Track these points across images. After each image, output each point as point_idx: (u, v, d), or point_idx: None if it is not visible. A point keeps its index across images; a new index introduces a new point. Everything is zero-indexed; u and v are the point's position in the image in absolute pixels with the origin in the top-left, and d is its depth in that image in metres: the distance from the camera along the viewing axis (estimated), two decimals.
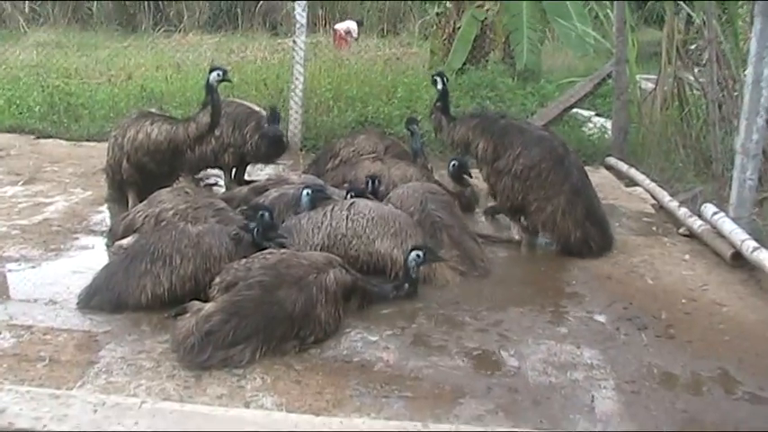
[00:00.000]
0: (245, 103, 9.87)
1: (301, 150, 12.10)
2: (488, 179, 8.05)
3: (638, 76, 13.10)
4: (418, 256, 6.47)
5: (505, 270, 7.41)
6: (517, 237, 8.16)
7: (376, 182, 8.05)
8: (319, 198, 7.35)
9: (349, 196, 7.56)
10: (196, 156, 9.00)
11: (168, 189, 7.63)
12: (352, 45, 21.57)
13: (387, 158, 9.04)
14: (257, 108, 9.69)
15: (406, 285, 6.47)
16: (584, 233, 7.77)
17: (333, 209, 7.06)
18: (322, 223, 6.98)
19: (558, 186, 7.72)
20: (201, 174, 9.92)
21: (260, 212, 6.62)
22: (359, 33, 22.98)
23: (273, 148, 9.51)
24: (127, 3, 27.24)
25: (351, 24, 22.96)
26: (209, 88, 8.19)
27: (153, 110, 9.11)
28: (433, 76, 9.00)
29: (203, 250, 6.23)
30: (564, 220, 7.74)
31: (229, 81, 8.53)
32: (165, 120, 8.50)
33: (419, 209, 7.49)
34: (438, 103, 8.65)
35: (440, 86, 8.74)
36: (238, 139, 9.33)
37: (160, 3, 27.00)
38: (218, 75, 8.15)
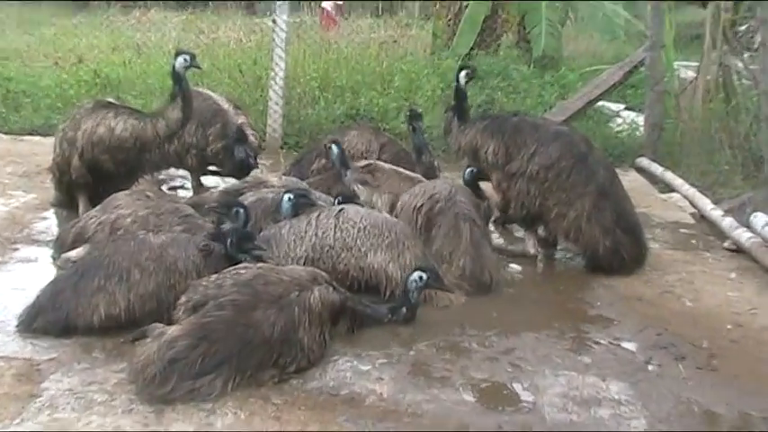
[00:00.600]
0: (213, 95, 9.84)
1: (282, 148, 12.15)
2: (499, 186, 8.09)
3: (675, 64, 13.19)
4: (420, 278, 6.49)
5: (519, 289, 7.43)
6: (532, 250, 8.20)
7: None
8: (302, 204, 7.35)
9: (336, 201, 7.57)
10: (158, 155, 9.00)
11: (126, 192, 7.63)
12: (341, 25, 21.64)
13: (378, 171, 8.90)
14: (225, 104, 9.67)
15: (404, 309, 6.49)
16: (615, 242, 7.79)
17: (318, 216, 7.06)
18: (306, 233, 6.98)
19: (581, 188, 7.77)
20: (165, 175, 9.93)
21: (234, 209, 6.65)
22: (349, 10, 23.10)
23: (237, 170, 9.49)
24: None
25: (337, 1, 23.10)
26: (176, 76, 8.20)
27: (111, 100, 9.07)
28: (459, 68, 9.00)
29: (167, 264, 6.22)
30: (590, 227, 7.77)
31: (198, 68, 8.53)
32: (131, 113, 8.51)
33: (446, 196, 7.60)
34: (454, 103, 8.70)
35: (462, 81, 8.75)
36: (201, 140, 9.33)
37: None
38: (185, 60, 8.16)
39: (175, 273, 6.21)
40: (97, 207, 7.50)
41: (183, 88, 8.22)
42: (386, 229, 6.98)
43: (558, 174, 7.80)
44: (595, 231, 7.77)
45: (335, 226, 6.96)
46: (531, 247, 8.22)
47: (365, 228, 6.94)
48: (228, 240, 6.36)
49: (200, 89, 9.80)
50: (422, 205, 7.66)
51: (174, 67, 8.19)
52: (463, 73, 8.76)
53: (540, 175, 7.80)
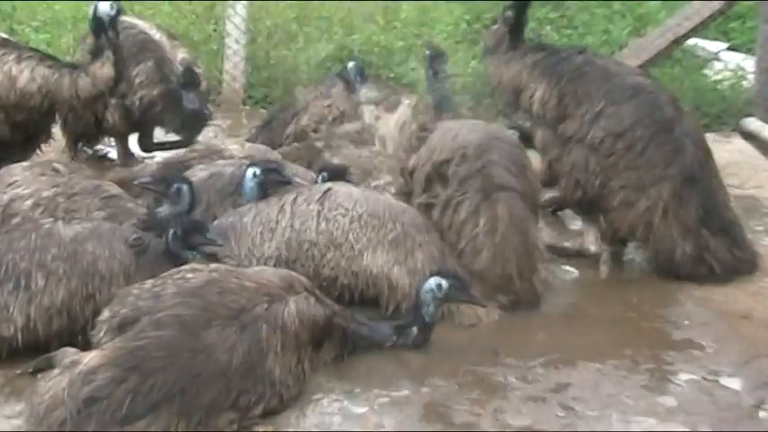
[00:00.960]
0: (137, 23, 9.77)
1: (244, 104, 12.17)
2: (546, 152, 8.07)
3: None
4: (439, 287, 6.45)
5: (574, 302, 7.49)
6: (593, 247, 8.21)
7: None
8: (272, 182, 7.33)
9: (320, 179, 7.57)
10: (70, 119, 9.05)
11: (24, 165, 7.63)
12: None
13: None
14: (157, 34, 9.64)
15: (415, 329, 6.50)
16: (700, 246, 7.79)
17: (295, 200, 6.99)
18: (278, 223, 6.91)
19: (659, 169, 7.79)
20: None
21: (175, 187, 6.68)
22: None
23: (184, 127, 9.50)
24: None
25: None
26: (100, 25, 8.19)
27: (8, 37, 9.06)
28: None
29: (83, 265, 6.26)
30: (666, 224, 7.78)
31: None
32: (40, 59, 8.55)
33: (473, 155, 7.34)
34: (509, 13, 8.65)
35: None
36: (122, 86, 9.23)
37: None
38: (112, 8, 8.13)
39: (95, 277, 6.24)
40: None
41: (112, 40, 8.22)
42: (389, 218, 6.92)
43: (629, 146, 7.80)
44: (673, 230, 7.78)
45: (319, 214, 6.87)
46: (591, 243, 8.21)
47: (360, 217, 6.87)
48: (171, 232, 6.35)
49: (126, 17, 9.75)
50: (441, 163, 7.45)
51: (95, 12, 8.18)
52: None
53: (606, 144, 7.80)
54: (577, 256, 8.20)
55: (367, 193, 7.11)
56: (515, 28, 8.56)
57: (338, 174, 7.63)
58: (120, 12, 8.23)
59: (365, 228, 6.83)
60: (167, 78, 9.24)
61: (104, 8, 8.13)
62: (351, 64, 7.75)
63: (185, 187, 6.72)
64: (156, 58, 9.32)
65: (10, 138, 8.42)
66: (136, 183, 7.17)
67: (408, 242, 6.89)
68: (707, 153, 8.05)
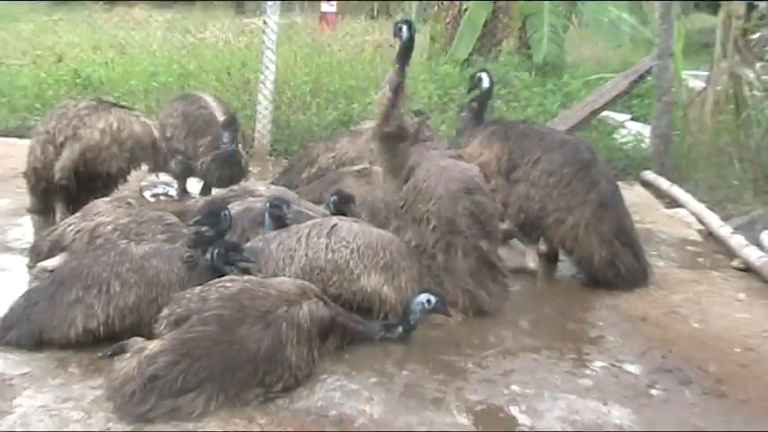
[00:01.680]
0: (210, 103, 9.52)
1: (270, 155, 12.15)
2: (499, 192, 8.06)
3: (684, 73, 13.19)
4: (428, 301, 6.49)
5: (517, 307, 7.36)
6: (532, 264, 8.21)
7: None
8: (275, 216, 7.30)
9: (332, 201, 7.59)
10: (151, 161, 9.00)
11: (106, 199, 7.59)
12: (337, 25, 21.80)
13: (374, 174, 8.91)
14: (221, 113, 9.42)
15: (400, 329, 6.49)
16: (612, 253, 7.87)
17: (309, 234, 6.91)
18: (296, 251, 6.82)
19: (581, 195, 7.88)
20: (147, 182, 9.90)
21: (222, 214, 6.65)
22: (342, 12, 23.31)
23: (227, 174, 9.29)
24: None
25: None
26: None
27: (112, 100, 9.01)
28: (480, 70, 8.97)
29: (149, 276, 6.22)
30: (587, 236, 7.86)
31: None
32: (139, 114, 8.67)
33: (462, 188, 7.20)
34: (474, 104, 8.71)
35: (485, 84, 8.73)
36: (189, 149, 9.22)
37: None
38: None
39: (158, 285, 6.20)
40: (76, 214, 7.47)
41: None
42: (380, 248, 6.86)
43: (559, 179, 7.90)
44: (592, 240, 7.85)
45: (327, 246, 6.80)
46: (531, 261, 8.23)
47: (358, 248, 6.80)
48: (215, 251, 6.32)
49: (201, 94, 9.63)
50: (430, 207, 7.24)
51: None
52: (485, 75, 8.74)
53: (542, 179, 7.91)
54: (520, 271, 8.14)
55: (363, 228, 6.97)
56: (478, 114, 8.61)
57: (346, 199, 7.64)
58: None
59: (362, 257, 6.76)
60: (218, 148, 9.06)
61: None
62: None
63: (227, 213, 6.68)
64: (213, 135, 9.10)
65: (106, 176, 8.38)
66: (191, 223, 7.05)
67: (395, 266, 6.83)
68: (616, 187, 8.18)
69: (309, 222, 7.01)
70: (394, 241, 6.99)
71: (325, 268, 6.71)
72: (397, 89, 7.52)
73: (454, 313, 6.91)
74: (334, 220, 7.02)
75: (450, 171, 7.26)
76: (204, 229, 6.63)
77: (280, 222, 7.25)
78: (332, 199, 7.65)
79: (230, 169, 9.05)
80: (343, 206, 7.62)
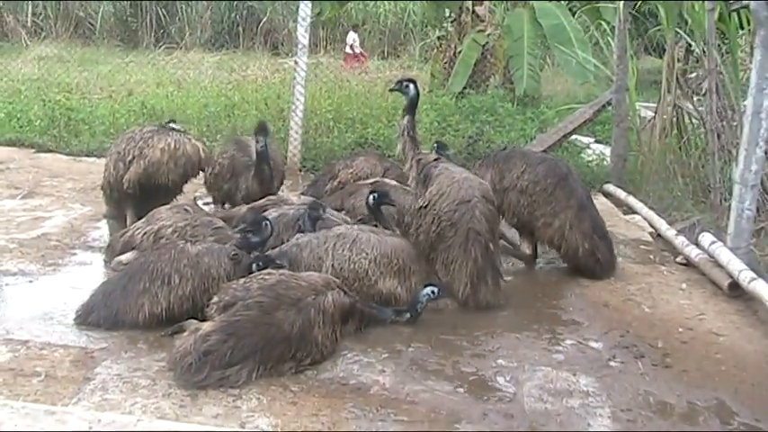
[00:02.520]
0: (252, 146, 9.09)
1: (300, 171, 12.13)
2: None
3: (637, 104, 13.12)
4: (433, 292, 6.50)
5: (504, 296, 7.29)
6: (528, 251, 8.32)
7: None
8: (313, 217, 7.28)
9: (372, 198, 7.50)
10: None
11: (167, 207, 7.62)
12: (363, 61, 21.85)
13: (387, 185, 8.89)
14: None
15: (408, 315, 6.47)
16: (592, 245, 7.90)
17: (335, 246, 6.77)
18: (324, 261, 6.70)
19: (564, 201, 7.89)
20: (199, 193, 9.88)
21: (263, 223, 6.66)
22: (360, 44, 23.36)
23: (263, 174, 8.97)
24: (129, 20, 27.37)
25: (353, 36, 23.25)
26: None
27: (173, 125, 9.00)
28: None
29: (202, 270, 6.24)
30: (572, 234, 7.87)
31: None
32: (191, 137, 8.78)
33: (480, 196, 7.13)
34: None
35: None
36: (232, 187, 9.06)
37: (162, 20, 27.10)
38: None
39: (209, 278, 6.22)
40: (143, 219, 7.49)
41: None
42: (394, 256, 6.76)
43: (544, 189, 7.90)
44: (576, 237, 7.86)
45: (349, 258, 6.68)
46: (526, 248, 8.32)
47: (375, 258, 6.69)
48: (254, 266, 6.27)
49: (248, 139, 9.44)
50: (445, 211, 7.13)
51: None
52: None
53: (529, 188, 7.90)
54: (516, 255, 8.36)
55: (381, 239, 6.85)
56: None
57: (384, 194, 7.62)
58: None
59: (378, 265, 6.67)
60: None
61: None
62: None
63: (269, 223, 6.68)
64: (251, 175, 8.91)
65: (164, 188, 8.47)
66: (238, 230, 7.00)
67: (407, 270, 6.77)
68: (588, 192, 8.35)
69: (335, 232, 6.87)
70: (406, 248, 6.89)
71: (348, 277, 6.60)
72: (412, 134, 7.63)
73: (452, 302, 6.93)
74: (356, 232, 6.86)
75: (469, 181, 7.21)
76: (250, 234, 6.65)
77: (316, 222, 7.25)
78: (371, 196, 7.54)
79: (264, 167, 8.88)
80: (382, 200, 7.58)
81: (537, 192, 7.91)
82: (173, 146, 8.36)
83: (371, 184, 8.74)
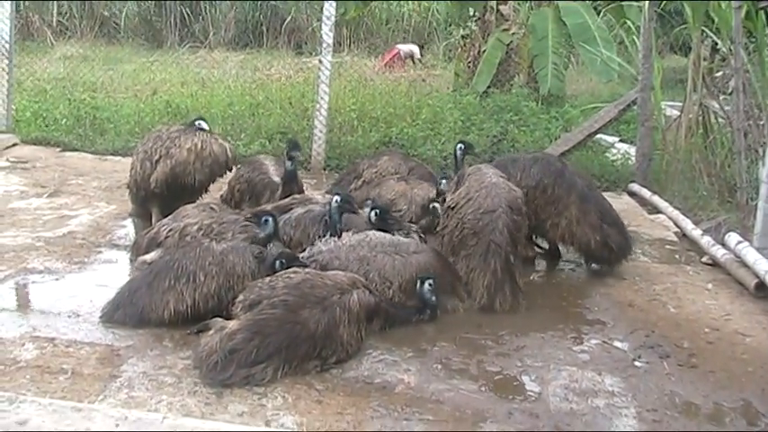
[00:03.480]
0: (268, 167, 9.14)
1: (324, 170, 12.14)
2: None
3: (662, 103, 13.07)
4: (431, 284, 6.47)
5: (529, 296, 7.26)
6: (531, 253, 8.32)
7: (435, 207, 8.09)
8: (347, 210, 7.27)
9: (373, 214, 7.43)
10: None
11: (193, 205, 7.65)
12: (408, 66, 21.85)
13: (411, 180, 8.97)
14: (276, 177, 8.99)
15: (428, 311, 6.48)
16: (603, 236, 7.87)
17: (351, 262, 6.58)
18: (347, 268, 6.48)
19: (565, 198, 7.84)
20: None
21: (264, 219, 6.74)
22: (422, 55, 23.39)
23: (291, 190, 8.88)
24: (153, 19, 27.49)
25: (414, 48, 23.25)
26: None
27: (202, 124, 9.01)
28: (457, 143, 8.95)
29: (227, 268, 6.26)
30: (580, 228, 7.83)
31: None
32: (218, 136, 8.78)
33: (506, 206, 7.10)
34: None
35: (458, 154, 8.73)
36: (253, 204, 8.89)
37: (186, 19, 27.18)
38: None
39: (234, 276, 6.23)
40: (168, 217, 7.52)
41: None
42: (405, 272, 6.61)
43: (543, 190, 7.82)
44: (585, 230, 7.82)
45: (374, 285, 6.44)
46: (530, 251, 8.31)
47: (401, 285, 6.53)
48: (278, 262, 6.30)
49: (260, 158, 9.48)
50: (469, 218, 7.14)
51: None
52: (460, 145, 8.74)
53: (530, 194, 7.72)
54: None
55: (404, 260, 6.68)
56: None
57: (384, 212, 7.51)
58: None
59: (405, 291, 6.55)
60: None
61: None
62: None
63: (270, 219, 6.73)
64: (270, 191, 8.84)
65: (191, 188, 8.47)
66: (243, 219, 7.08)
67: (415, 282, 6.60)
68: (589, 180, 8.32)
69: (358, 255, 6.66)
70: (430, 265, 6.71)
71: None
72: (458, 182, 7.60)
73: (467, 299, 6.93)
74: (378, 256, 6.67)
75: (498, 188, 7.19)
76: (257, 231, 6.83)
77: (342, 215, 7.23)
78: (373, 212, 7.46)
79: (293, 187, 8.86)
80: (383, 216, 7.48)
81: (537, 196, 7.81)
82: (199, 146, 8.37)
83: (398, 177, 8.81)
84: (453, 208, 7.26)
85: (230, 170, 8.79)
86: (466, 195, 7.22)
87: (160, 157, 8.38)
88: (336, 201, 7.25)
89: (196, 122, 8.85)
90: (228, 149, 8.58)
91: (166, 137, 8.46)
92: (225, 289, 6.20)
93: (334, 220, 7.19)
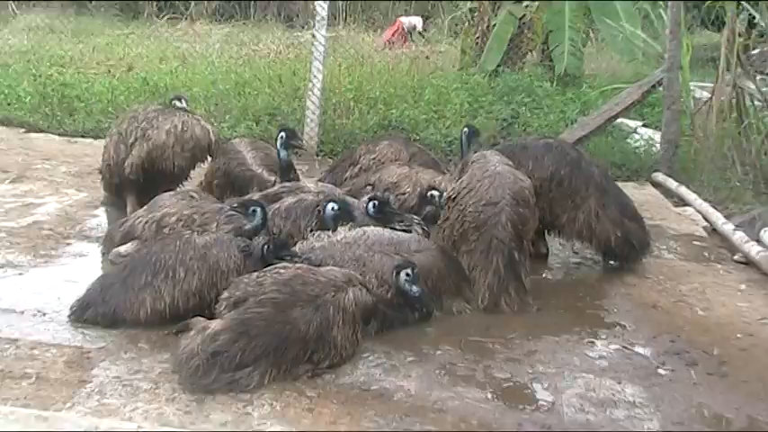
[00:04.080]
0: (246, 157, 9.00)
1: (317, 155, 12.16)
2: None
3: (691, 84, 13.09)
4: (408, 275, 6.37)
5: (541, 295, 7.31)
6: (543, 250, 8.34)
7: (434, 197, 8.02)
8: (345, 217, 7.24)
9: (371, 205, 7.42)
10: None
11: (171, 193, 7.64)
12: (411, 42, 21.80)
13: (414, 166, 8.95)
14: (258, 168, 8.92)
15: (417, 305, 6.44)
16: (624, 231, 7.88)
17: (345, 262, 6.54)
18: (340, 267, 6.42)
19: (583, 191, 7.83)
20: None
21: (251, 209, 6.74)
22: (425, 29, 23.36)
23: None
24: None
25: (417, 20, 23.21)
26: (278, 152, 8.20)
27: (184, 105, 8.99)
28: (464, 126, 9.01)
29: (210, 263, 6.26)
30: (600, 223, 7.81)
31: (300, 147, 8.67)
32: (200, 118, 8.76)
33: (510, 198, 7.09)
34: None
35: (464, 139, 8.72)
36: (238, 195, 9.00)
37: None
38: (282, 139, 8.30)
39: (217, 271, 6.25)
40: (144, 207, 7.52)
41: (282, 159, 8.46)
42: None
43: (559, 182, 7.80)
44: (606, 225, 7.82)
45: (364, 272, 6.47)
46: (542, 247, 8.31)
47: (385, 282, 6.48)
48: (265, 247, 6.35)
49: (234, 144, 9.29)
50: (470, 211, 7.16)
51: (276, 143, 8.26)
52: (465, 130, 8.82)
53: (544, 187, 7.73)
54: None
55: (391, 260, 6.60)
56: None
57: (383, 203, 7.47)
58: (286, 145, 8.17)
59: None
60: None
61: (278, 142, 8.29)
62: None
63: (258, 209, 6.73)
64: (258, 186, 8.63)
65: (171, 174, 8.50)
66: (228, 208, 7.07)
67: (436, 291, 6.68)
68: (605, 170, 8.34)
69: (354, 255, 6.64)
70: (433, 267, 6.72)
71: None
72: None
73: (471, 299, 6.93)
74: (377, 257, 6.66)
75: (502, 178, 7.18)
76: (245, 224, 6.81)
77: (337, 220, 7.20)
78: (372, 204, 7.45)
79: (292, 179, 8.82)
80: (383, 208, 7.47)
81: (552, 188, 7.80)
82: (180, 128, 8.38)
83: (399, 163, 8.82)
84: (454, 199, 7.27)
85: (213, 156, 8.77)
86: (468, 185, 7.24)
87: (136, 139, 8.40)
88: (333, 208, 7.26)
89: (174, 101, 8.84)
90: (211, 132, 8.58)
91: (143, 117, 8.47)
92: (207, 286, 6.20)
93: (327, 225, 7.20)
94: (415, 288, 6.40)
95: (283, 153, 8.61)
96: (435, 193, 8.01)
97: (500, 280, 6.94)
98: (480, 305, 6.91)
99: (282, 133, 8.61)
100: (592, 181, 7.85)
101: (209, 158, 8.80)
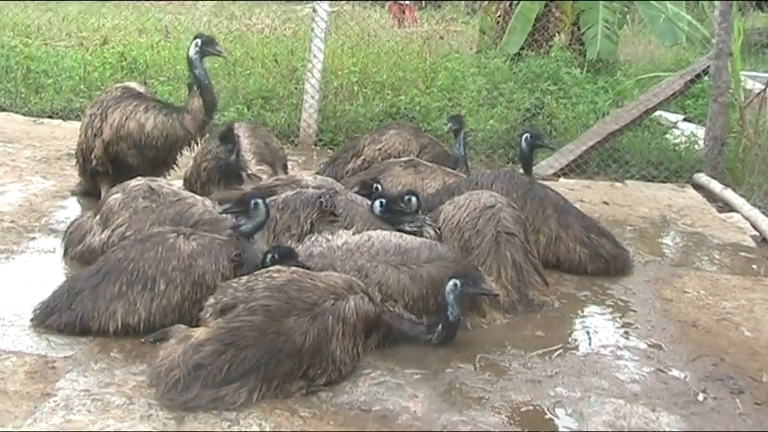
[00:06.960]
0: (243, 142, 9.15)
1: (316, 145, 12.16)
2: None
3: (742, 74, 13.07)
4: (456, 285, 6.35)
5: (564, 310, 7.35)
6: None
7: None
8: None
9: (378, 204, 7.46)
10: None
11: (118, 188, 7.52)
12: (409, 15, 21.89)
13: (421, 165, 8.89)
14: (251, 153, 9.10)
15: (440, 327, 6.39)
16: (592, 247, 8.15)
17: (346, 272, 6.48)
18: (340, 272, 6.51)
19: (540, 212, 8.15)
20: None
21: (252, 203, 6.66)
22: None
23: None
24: None
25: None
26: (190, 63, 8.24)
27: (140, 89, 8.98)
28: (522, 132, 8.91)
29: (195, 276, 6.23)
30: (563, 244, 8.14)
31: (218, 54, 8.55)
32: (161, 108, 8.57)
33: (501, 201, 7.47)
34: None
35: (524, 146, 8.60)
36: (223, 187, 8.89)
37: None
38: (197, 46, 8.19)
39: (203, 286, 6.21)
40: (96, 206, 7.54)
41: (198, 76, 8.24)
42: (431, 294, 6.57)
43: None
44: (569, 246, 8.14)
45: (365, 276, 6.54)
46: None
47: (408, 304, 6.53)
48: (269, 256, 6.33)
49: (234, 127, 9.22)
50: (466, 221, 7.42)
51: (188, 53, 8.23)
52: (525, 136, 8.66)
53: None
54: None
55: (413, 273, 6.64)
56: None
57: (391, 201, 7.51)
58: (206, 47, 8.28)
59: (413, 309, 6.53)
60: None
61: (192, 48, 8.25)
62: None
63: (260, 202, 6.66)
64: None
65: (139, 167, 8.36)
66: (221, 212, 7.01)
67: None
68: (560, 194, 8.55)
69: (357, 265, 6.64)
70: (445, 276, 6.58)
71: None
72: None
73: (496, 314, 6.96)
74: (383, 268, 6.67)
75: (489, 193, 7.70)
76: (242, 223, 6.64)
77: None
78: (379, 202, 7.52)
79: (232, 180, 8.83)
80: (391, 206, 7.51)
81: None
82: (117, 122, 8.39)
83: (405, 162, 8.80)
84: (444, 221, 7.58)
85: (197, 143, 8.73)
86: (454, 207, 7.60)
87: (100, 126, 8.43)
88: (381, 203, 7.46)
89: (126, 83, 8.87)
90: (149, 125, 8.43)
91: (106, 104, 8.51)
92: (190, 301, 6.19)
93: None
94: (455, 310, 6.36)
95: (222, 151, 8.68)
96: (413, 198, 7.90)
97: (521, 271, 7.15)
98: (504, 305, 7.03)
99: (198, 40, 8.54)
100: (547, 202, 8.16)
101: (180, 152, 8.78)
